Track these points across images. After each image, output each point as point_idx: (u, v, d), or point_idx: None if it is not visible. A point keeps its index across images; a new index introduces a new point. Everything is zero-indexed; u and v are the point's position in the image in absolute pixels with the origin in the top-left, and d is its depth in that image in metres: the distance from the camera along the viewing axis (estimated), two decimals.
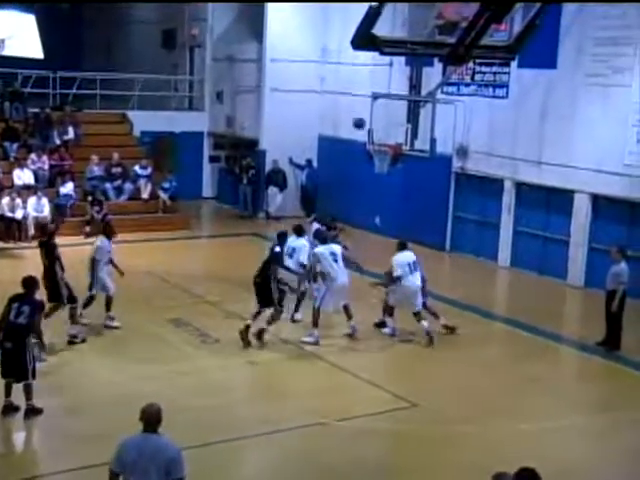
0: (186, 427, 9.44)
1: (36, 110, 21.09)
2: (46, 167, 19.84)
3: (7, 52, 27.01)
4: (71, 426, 9.50)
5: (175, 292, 14.99)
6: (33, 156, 19.78)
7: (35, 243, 16.75)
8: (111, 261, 12.86)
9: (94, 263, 12.57)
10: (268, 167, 22.30)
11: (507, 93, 17.78)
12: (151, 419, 6.20)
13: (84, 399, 10.20)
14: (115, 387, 10.55)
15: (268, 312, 12.27)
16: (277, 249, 12.54)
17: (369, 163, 17.62)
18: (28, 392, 9.56)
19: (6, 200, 18.01)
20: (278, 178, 22.13)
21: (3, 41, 24.61)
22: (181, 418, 9.62)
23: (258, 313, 12.31)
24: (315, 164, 22.43)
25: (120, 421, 9.41)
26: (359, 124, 17.40)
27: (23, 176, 19.24)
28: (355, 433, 9.65)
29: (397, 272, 12.44)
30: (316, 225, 14.47)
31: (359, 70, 20.38)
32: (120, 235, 18.09)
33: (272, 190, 22.16)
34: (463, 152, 18.71)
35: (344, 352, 12.29)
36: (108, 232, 12.96)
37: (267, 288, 12.14)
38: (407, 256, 12.66)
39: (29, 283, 9.94)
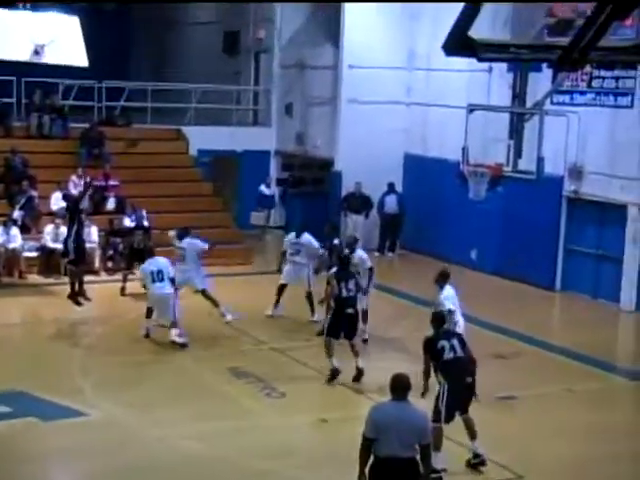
0: None
1: (85, 125, 21.73)
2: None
3: (47, 60, 27.87)
4: None
5: (236, 336, 15.14)
6: (74, 178, 20.33)
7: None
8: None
9: None
10: (345, 191, 22.42)
11: (632, 102, 17.54)
12: (401, 387, 7.68)
13: (128, 462, 10.32)
14: (163, 447, 10.68)
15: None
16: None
17: (464, 187, 17.58)
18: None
19: (49, 228, 18.40)
20: (357, 203, 22.18)
21: (42, 47, 25.40)
22: None
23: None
24: (400, 188, 22.45)
25: None
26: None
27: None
28: None
29: None
30: None
31: (452, 78, 20.39)
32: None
33: (352, 218, 22.23)
34: (577, 173, 18.49)
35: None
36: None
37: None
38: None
39: None
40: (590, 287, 18.53)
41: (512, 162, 18.07)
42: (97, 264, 18.78)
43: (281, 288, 15.92)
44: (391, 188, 22.20)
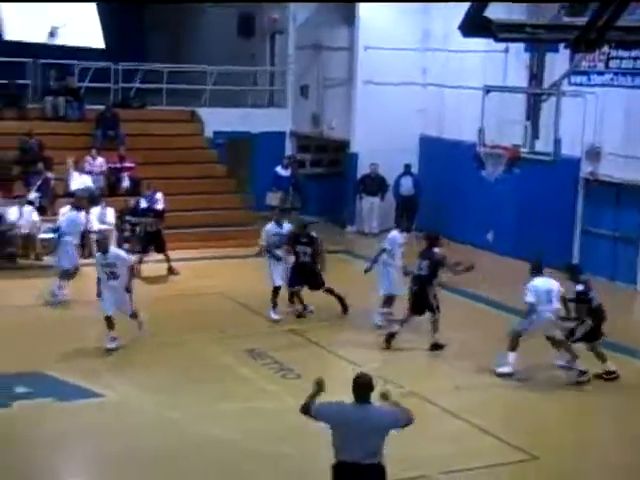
0: (255, 477, 9.55)
1: (100, 107, 21.77)
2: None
3: (62, 41, 27.87)
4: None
5: (252, 318, 15.17)
6: (89, 158, 20.38)
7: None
8: None
9: None
10: (360, 173, 22.41)
11: None
12: (363, 388, 7.41)
13: (142, 443, 10.38)
14: (176, 429, 10.73)
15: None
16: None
17: (480, 168, 17.50)
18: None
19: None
20: (373, 185, 22.18)
21: (57, 29, 25.46)
22: (249, 467, 9.80)
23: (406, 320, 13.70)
24: (415, 169, 22.41)
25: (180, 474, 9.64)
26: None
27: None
28: None
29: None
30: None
31: (468, 58, 20.30)
32: (188, 251, 18.67)
33: (367, 200, 22.25)
34: (594, 154, 18.39)
35: (451, 393, 12.22)
36: None
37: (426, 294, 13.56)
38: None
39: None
40: (607, 269, 18.42)
41: (529, 143, 17.94)
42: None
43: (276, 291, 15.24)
44: (407, 169, 22.15)
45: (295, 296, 15.25)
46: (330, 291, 15.13)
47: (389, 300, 14.78)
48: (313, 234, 15.38)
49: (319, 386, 7.58)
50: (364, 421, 7.30)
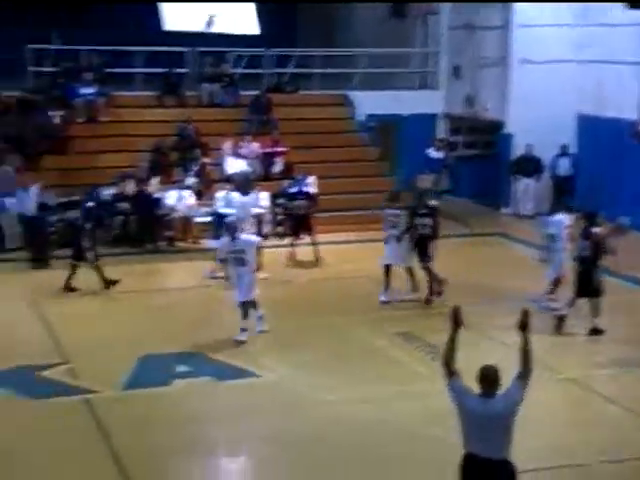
0: (408, 461, 9.57)
1: (254, 92, 22.10)
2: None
3: (219, 29, 28.42)
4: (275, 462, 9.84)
5: (404, 301, 15.12)
6: (244, 143, 20.72)
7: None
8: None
9: None
10: (514, 154, 21.99)
11: None
12: (487, 381, 7.19)
13: (295, 424, 10.50)
14: (330, 410, 10.80)
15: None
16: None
17: None
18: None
19: (221, 194, 18.54)
20: (528, 166, 21.72)
21: (213, 17, 25.93)
22: (400, 449, 9.78)
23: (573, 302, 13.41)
24: (572, 149, 21.79)
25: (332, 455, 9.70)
26: None
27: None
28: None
29: None
30: None
31: (627, 32, 19.52)
32: (339, 234, 18.76)
33: (523, 181, 21.84)
34: None
35: (610, 380, 11.87)
36: None
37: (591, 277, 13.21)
38: None
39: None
40: None
41: None
42: (266, 229, 19.06)
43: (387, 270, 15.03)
44: (564, 150, 21.61)
45: (427, 274, 14.94)
46: (429, 270, 14.82)
47: (555, 284, 14.44)
48: (432, 203, 15.06)
49: (456, 319, 7.44)
50: (487, 414, 7.09)
